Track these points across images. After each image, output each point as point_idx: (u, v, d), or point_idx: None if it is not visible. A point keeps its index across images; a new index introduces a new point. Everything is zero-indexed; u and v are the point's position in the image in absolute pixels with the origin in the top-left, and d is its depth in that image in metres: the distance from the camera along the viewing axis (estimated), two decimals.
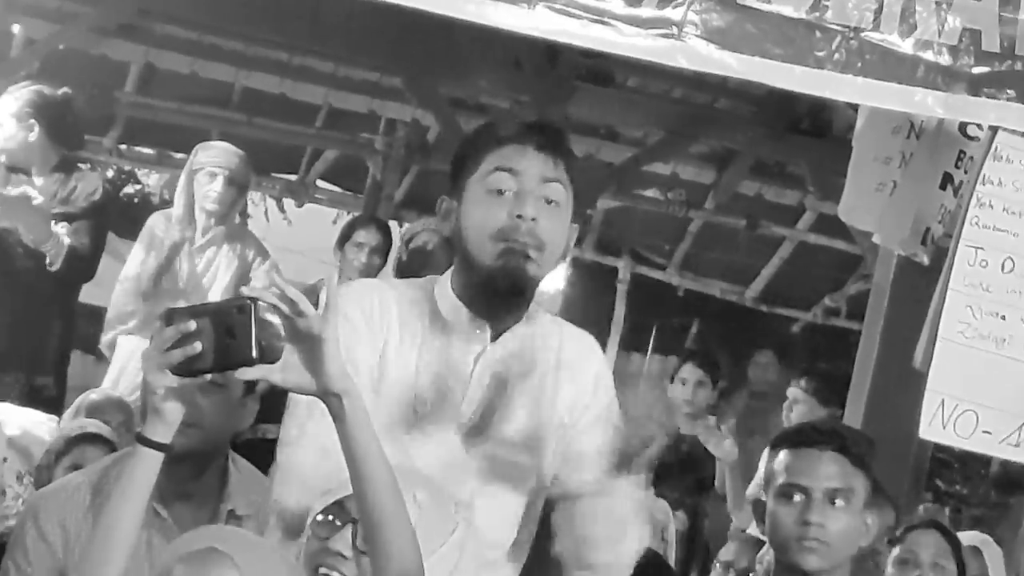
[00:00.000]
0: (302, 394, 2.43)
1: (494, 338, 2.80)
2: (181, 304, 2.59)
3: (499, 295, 2.65)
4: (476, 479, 2.85)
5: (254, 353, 2.21)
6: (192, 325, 2.21)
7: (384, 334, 2.81)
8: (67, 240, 5.67)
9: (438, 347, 2.84)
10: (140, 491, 2.46)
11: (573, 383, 2.92)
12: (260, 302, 2.30)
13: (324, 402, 2.29)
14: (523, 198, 2.54)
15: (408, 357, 2.82)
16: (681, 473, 6.45)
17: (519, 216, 2.52)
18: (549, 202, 2.61)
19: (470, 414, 2.84)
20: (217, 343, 2.22)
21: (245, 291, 2.32)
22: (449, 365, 2.84)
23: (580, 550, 2.79)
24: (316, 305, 2.28)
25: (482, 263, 2.62)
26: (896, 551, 4.22)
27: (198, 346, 2.23)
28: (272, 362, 2.24)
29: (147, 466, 2.44)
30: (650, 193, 9.06)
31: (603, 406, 3.00)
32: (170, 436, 2.41)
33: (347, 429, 2.32)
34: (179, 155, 7.70)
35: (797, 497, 3.08)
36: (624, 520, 2.87)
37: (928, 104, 3.77)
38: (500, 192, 2.61)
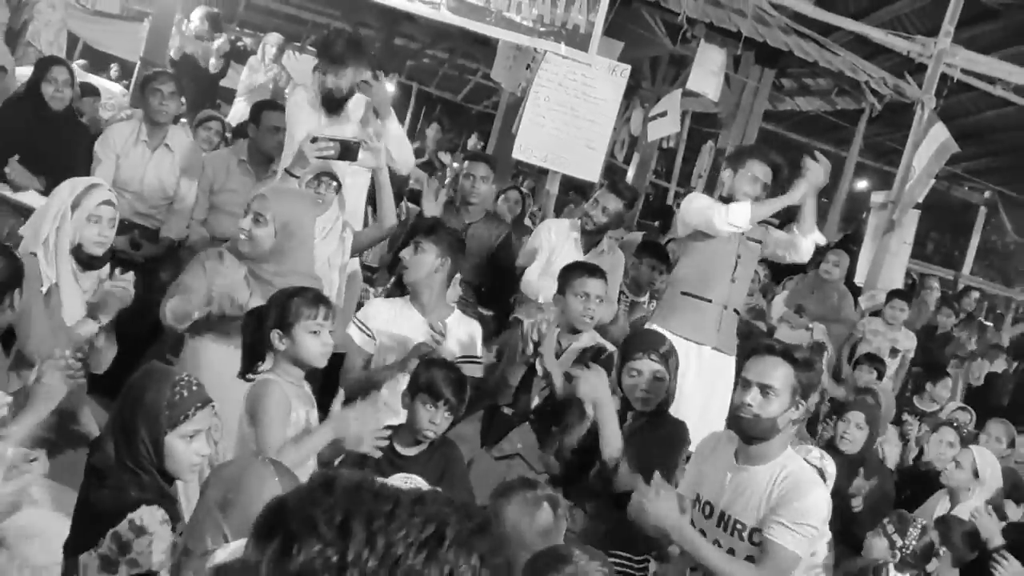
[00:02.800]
0: (369, 167, 4.32)
1: None
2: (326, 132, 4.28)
3: None
4: None
5: (359, 157, 4.16)
6: (331, 144, 4.08)
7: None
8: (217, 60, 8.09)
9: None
10: None
11: None
12: (364, 142, 4.18)
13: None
14: None
15: None
16: None
17: None
18: None
19: None
20: (341, 151, 4.11)
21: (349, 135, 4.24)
22: None
23: None
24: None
25: None
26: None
27: (332, 152, 4.09)
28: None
29: None
30: None
31: None
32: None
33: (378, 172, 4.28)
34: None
35: None
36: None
37: (525, 39, 6.24)
38: None
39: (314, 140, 4.04)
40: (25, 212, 4.28)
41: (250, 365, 3.14)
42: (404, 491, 1.08)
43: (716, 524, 3.11)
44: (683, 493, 3.26)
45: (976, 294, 9.10)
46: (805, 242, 4.59)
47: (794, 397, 3.05)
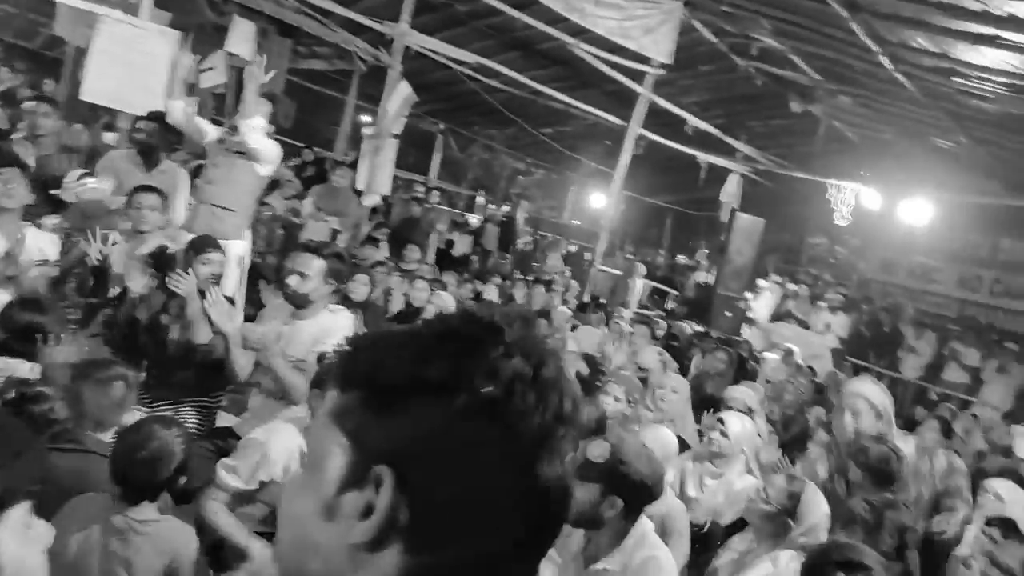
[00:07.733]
0: None
1: None
2: None
3: None
4: None
5: None
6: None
7: None
8: None
9: None
10: None
11: None
12: None
13: None
14: None
15: None
16: None
17: None
18: None
19: None
20: None
21: None
22: None
23: None
24: None
25: None
26: None
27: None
28: None
29: None
30: None
31: None
32: None
33: None
34: None
35: None
36: None
37: (82, 5, 5.39)
38: None
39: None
40: None
41: None
42: None
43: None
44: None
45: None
46: (246, 123, 4.26)
47: (324, 279, 3.24)
